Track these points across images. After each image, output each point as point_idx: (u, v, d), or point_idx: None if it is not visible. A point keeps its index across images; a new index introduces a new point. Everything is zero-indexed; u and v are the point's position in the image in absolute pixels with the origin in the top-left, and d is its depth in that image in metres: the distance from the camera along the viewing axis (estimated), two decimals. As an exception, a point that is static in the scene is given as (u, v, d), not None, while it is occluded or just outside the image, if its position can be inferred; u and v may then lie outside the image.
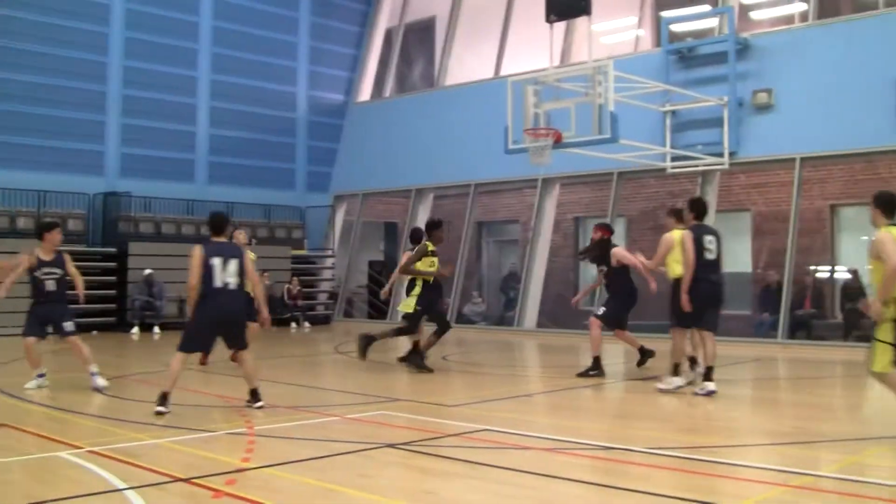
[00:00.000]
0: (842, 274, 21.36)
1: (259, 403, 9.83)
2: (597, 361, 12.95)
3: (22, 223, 21.69)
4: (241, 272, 9.79)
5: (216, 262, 9.65)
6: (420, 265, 13.65)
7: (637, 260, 13.01)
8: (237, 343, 10.08)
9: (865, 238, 21.31)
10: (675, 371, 11.56)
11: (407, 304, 13.80)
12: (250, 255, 13.46)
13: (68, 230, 22.26)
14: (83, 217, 22.92)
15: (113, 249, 22.94)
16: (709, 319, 11.35)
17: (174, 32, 25.09)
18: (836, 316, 20.68)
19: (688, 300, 11.06)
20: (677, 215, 12.39)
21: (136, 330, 21.58)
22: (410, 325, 13.84)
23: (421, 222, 25.69)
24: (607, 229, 13.74)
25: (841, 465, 7.15)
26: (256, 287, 11.00)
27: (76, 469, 6.93)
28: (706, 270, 11.21)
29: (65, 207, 22.70)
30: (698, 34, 20.85)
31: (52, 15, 22.84)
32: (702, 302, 11.20)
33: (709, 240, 11.31)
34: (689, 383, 11.57)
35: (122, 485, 6.33)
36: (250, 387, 9.97)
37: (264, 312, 10.64)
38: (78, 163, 23.31)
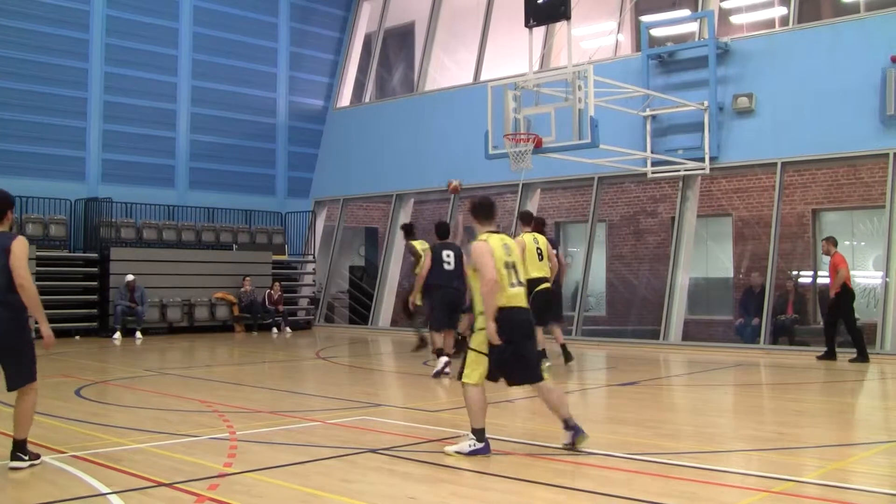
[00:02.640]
0: (824, 279, 21.39)
1: (14, 464, 6.97)
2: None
3: (3, 229, 21.51)
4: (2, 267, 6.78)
5: None
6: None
7: None
8: (12, 376, 7.03)
9: (848, 243, 21.51)
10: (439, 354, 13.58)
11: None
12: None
13: (50, 236, 22.33)
14: (64, 223, 22.81)
15: (94, 255, 22.88)
16: (454, 320, 13.85)
17: (154, 39, 25.03)
18: (819, 321, 20.71)
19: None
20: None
21: (118, 335, 21.45)
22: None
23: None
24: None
25: (823, 471, 7.18)
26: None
27: (60, 474, 6.93)
28: (448, 279, 13.69)
29: (46, 213, 22.59)
30: (678, 39, 20.88)
31: (33, 21, 22.75)
32: (447, 305, 13.64)
33: (447, 254, 13.85)
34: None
35: (105, 489, 6.35)
36: (15, 436, 7.06)
37: (44, 328, 7.09)
38: (59, 168, 23.23)
